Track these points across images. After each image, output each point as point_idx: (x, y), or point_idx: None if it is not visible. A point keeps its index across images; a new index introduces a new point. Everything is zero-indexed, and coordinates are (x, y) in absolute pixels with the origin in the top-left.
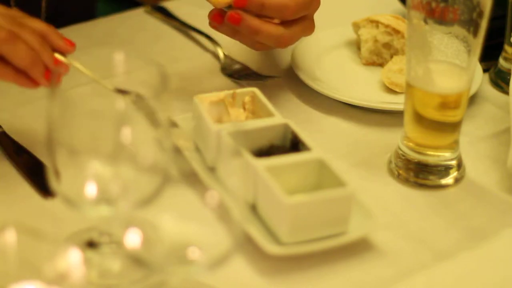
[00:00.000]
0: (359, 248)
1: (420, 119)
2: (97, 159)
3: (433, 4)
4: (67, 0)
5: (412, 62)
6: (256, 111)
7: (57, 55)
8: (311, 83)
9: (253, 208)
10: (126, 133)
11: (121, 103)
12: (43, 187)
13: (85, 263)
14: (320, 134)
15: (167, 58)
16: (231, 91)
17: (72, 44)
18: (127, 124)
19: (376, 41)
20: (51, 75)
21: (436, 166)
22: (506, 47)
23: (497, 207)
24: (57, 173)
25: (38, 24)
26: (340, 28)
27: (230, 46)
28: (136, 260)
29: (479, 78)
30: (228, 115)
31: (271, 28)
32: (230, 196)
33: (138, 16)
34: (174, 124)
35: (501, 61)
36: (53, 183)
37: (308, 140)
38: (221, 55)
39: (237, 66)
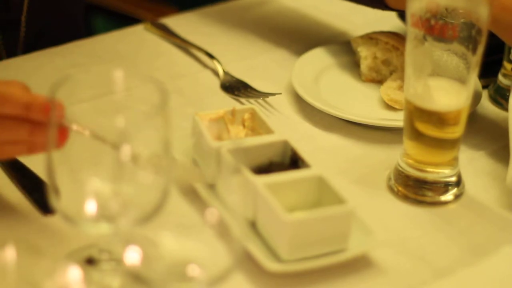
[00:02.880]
0: (359, 265)
1: (420, 136)
2: (96, 176)
3: (432, 21)
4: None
5: (411, 79)
6: (256, 128)
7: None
8: (311, 100)
9: (253, 225)
10: (126, 151)
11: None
12: (42, 205)
13: (85, 281)
14: (319, 151)
15: (167, 74)
16: (230, 108)
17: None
18: (126, 142)
19: (375, 58)
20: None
21: (436, 182)
22: (505, 63)
23: (497, 223)
24: (56, 191)
25: (16, 100)
26: (339, 45)
27: (229, 63)
28: (136, 277)
29: (479, 95)
30: (227, 132)
31: None
32: (230, 213)
33: (138, 33)
34: (189, 164)
35: (500, 77)
36: (52, 200)
37: (308, 157)
38: (220, 72)
39: (236, 83)
